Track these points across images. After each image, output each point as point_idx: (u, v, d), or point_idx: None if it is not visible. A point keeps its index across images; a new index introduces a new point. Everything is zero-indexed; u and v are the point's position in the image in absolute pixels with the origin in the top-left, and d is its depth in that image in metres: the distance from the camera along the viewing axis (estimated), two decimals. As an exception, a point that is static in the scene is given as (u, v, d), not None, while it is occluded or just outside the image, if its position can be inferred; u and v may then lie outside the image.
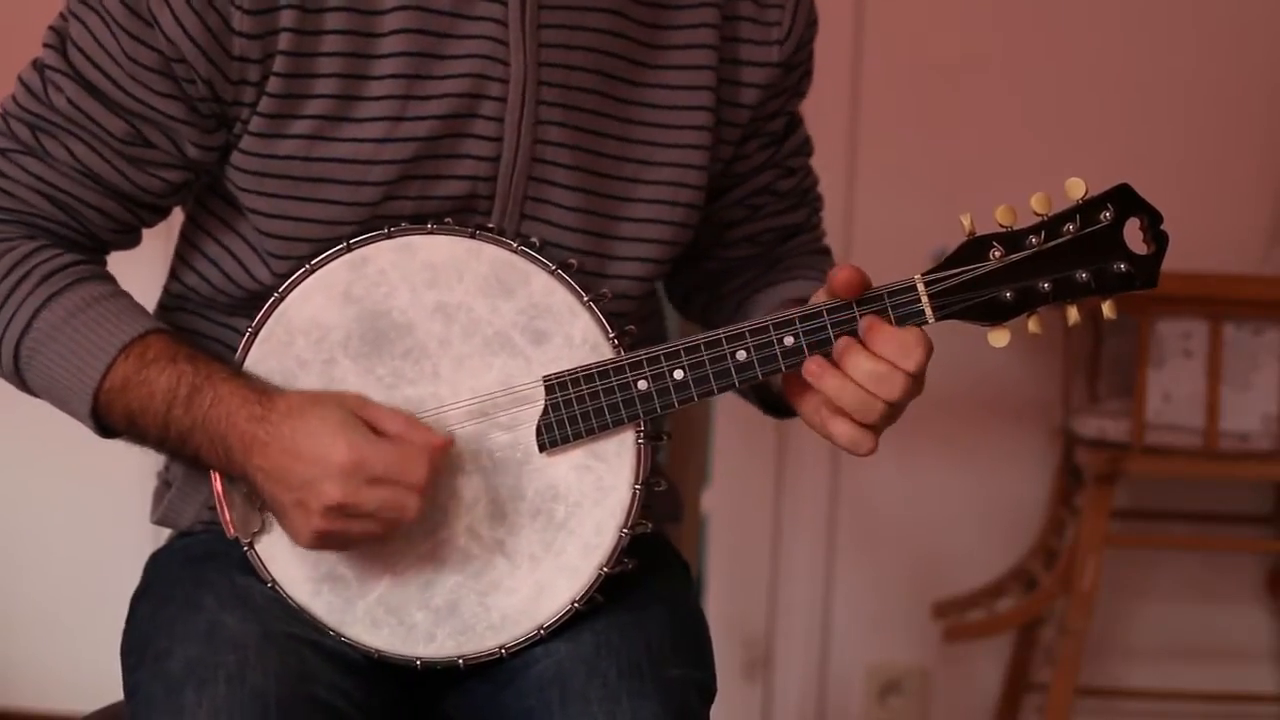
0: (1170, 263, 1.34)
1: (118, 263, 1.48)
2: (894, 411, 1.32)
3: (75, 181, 1.40)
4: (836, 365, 1.32)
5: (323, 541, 1.33)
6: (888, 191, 2.95)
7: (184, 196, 1.46)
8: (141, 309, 1.41)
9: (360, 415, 1.32)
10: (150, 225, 1.47)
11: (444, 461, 1.34)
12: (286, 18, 1.35)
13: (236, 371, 1.37)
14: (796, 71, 1.53)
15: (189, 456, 1.37)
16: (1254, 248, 2.91)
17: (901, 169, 2.95)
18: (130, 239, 1.47)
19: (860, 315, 1.32)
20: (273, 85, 1.36)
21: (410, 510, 1.31)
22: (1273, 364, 2.59)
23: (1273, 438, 2.60)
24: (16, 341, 1.38)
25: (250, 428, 1.32)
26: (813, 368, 1.32)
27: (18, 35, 1.58)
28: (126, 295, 1.41)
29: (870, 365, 1.30)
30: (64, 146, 1.39)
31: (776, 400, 1.44)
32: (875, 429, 1.33)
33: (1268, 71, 2.93)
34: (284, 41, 1.35)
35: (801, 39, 1.51)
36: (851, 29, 2.93)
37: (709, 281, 1.60)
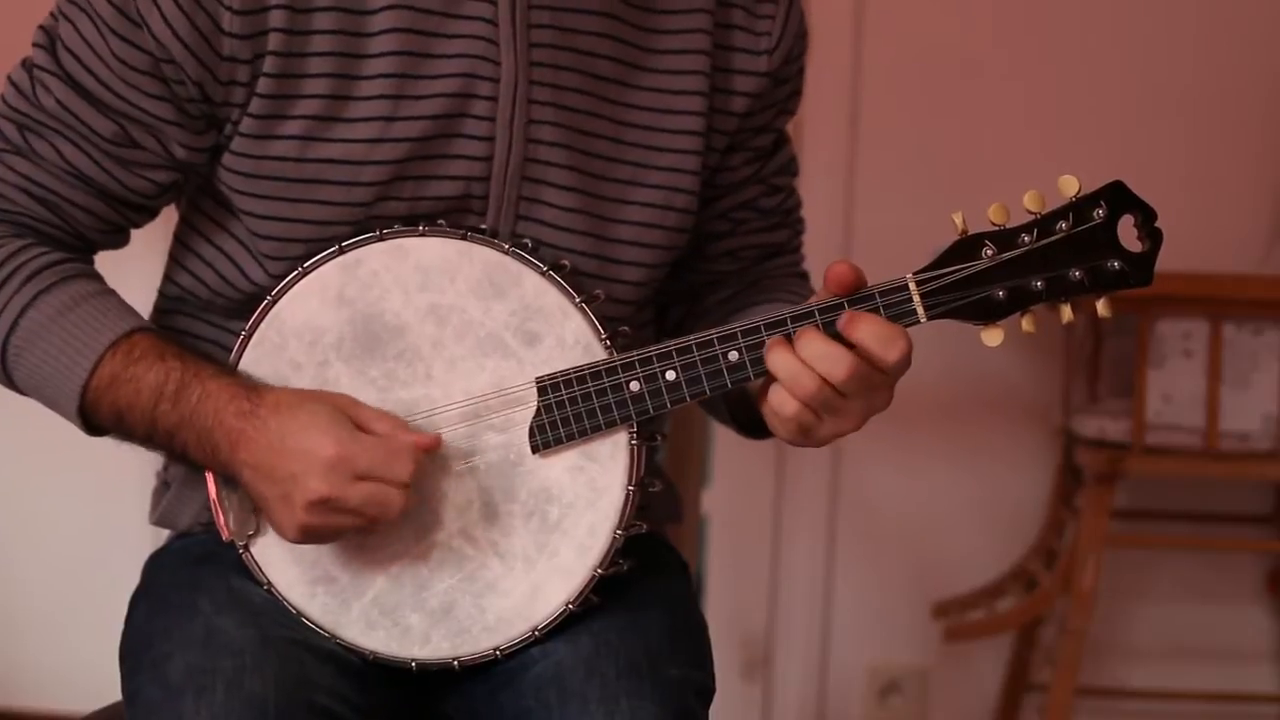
0: (1170, 262, 1.33)
1: (115, 266, 1.48)
2: (843, 404, 1.30)
3: (63, 182, 1.40)
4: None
5: (307, 535, 1.33)
6: (888, 191, 2.95)
7: (173, 197, 1.46)
8: (128, 307, 1.41)
9: (348, 414, 1.33)
10: (138, 226, 1.47)
11: (429, 460, 1.34)
12: (276, 18, 1.35)
13: (224, 368, 1.37)
14: (785, 87, 1.53)
15: (177, 452, 1.37)
16: (1254, 248, 2.91)
17: (901, 169, 2.95)
18: (118, 239, 1.47)
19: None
20: (263, 86, 1.36)
21: (394, 507, 1.31)
22: (1273, 364, 2.58)
23: (1273, 438, 2.59)
24: (4, 339, 1.38)
25: (237, 423, 1.33)
26: (769, 344, 1.31)
27: (12, 36, 1.57)
28: (114, 293, 1.41)
29: (821, 345, 1.29)
30: (52, 147, 1.39)
31: (754, 415, 1.43)
32: (813, 409, 1.30)
33: (1268, 72, 2.92)
34: (273, 42, 1.35)
35: (791, 52, 1.51)
36: (851, 29, 2.93)
37: (688, 293, 1.60)
